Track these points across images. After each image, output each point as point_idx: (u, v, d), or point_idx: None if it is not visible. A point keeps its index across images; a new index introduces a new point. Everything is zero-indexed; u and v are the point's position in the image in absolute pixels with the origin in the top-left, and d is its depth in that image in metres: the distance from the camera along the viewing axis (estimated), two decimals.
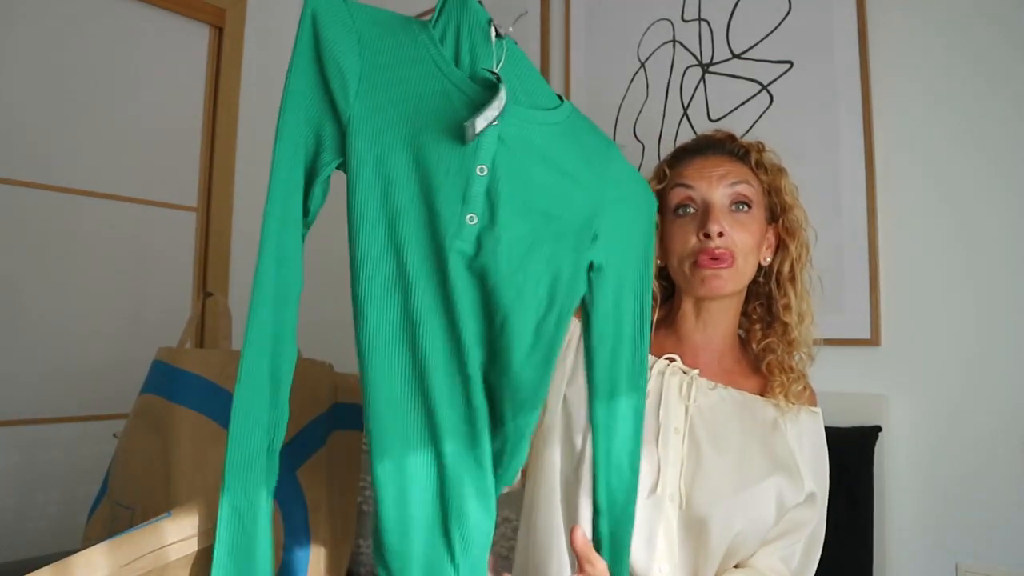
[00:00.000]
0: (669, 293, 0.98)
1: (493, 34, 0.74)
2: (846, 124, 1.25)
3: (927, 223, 1.18)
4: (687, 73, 1.46)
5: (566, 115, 0.80)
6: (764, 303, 0.96)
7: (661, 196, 0.94)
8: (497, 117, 0.69)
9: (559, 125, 0.79)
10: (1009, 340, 1.10)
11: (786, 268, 0.93)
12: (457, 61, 0.73)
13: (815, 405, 0.96)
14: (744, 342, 0.98)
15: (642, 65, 1.53)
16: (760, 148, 0.95)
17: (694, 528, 0.83)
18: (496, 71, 0.72)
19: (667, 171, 0.96)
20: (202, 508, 0.68)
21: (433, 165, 0.70)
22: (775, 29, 1.35)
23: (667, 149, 1.36)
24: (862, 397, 1.19)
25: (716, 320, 0.93)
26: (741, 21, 1.40)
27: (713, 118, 1.40)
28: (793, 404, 0.90)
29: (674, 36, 1.49)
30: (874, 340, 1.20)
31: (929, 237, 1.18)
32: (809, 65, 1.30)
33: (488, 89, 0.71)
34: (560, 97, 0.81)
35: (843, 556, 1.10)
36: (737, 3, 1.40)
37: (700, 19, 1.45)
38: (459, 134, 0.70)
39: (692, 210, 0.90)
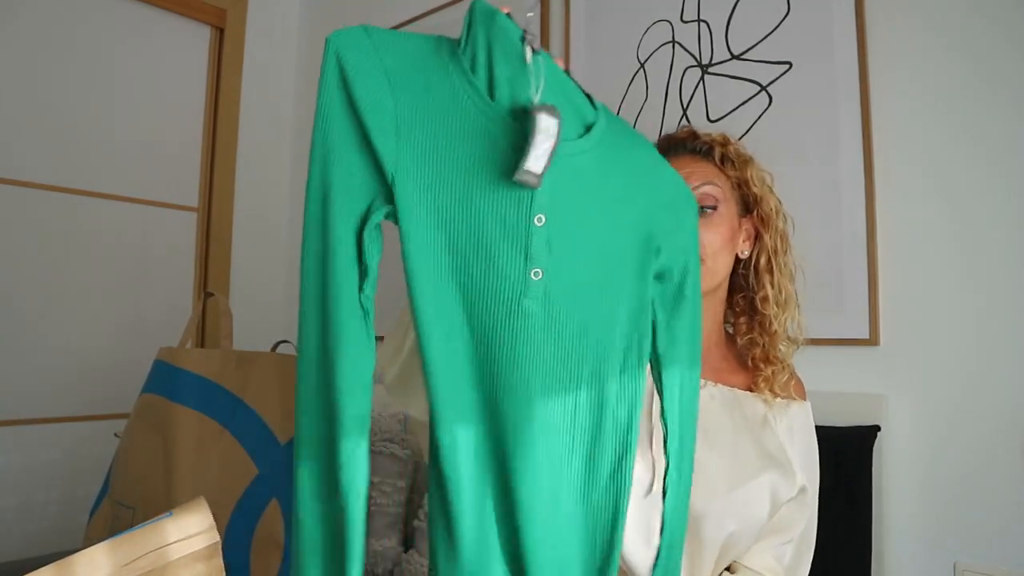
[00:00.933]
0: None
1: (528, 53, 0.66)
2: (845, 124, 1.25)
3: (926, 223, 1.18)
4: (686, 74, 1.46)
5: (604, 127, 0.73)
6: (747, 295, 0.95)
7: None
8: (552, 157, 0.64)
9: (601, 144, 0.72)
10: (1008, 340, 1.10)
11: (763, 260, 0.92)
12: (492, 90, 0.67)
13: (804, 397, 0.96)
14: (731, 337, 0.98)
15: (642, 66, 1.53)
16: (724, 142, 0.94)
17: (689, 527, 0.82)
18: (545, 105, 0.64)
19: None
20: (203, 507, 0.68)
21: (488, 216, 0.65)
22: (774, 30, 1.35)
23: None
24: (861, 397, 1.19)
25: None
26: (740, 22, 1.40)
27: (712, 119, 1.41)
28: (781, 397, 0.90)
29: (673, 37, 1.49)
30: (873, 340, 1.20)
31: (928, 237, 1.18)
32: (808, 66, 1.31)
33: (531, 122, 0.65)
34: (592, 101, 0.74)
35: (842, 555, 1.11)
36: (736, 4, 1.41)
37: (699, 20, 1.46)
38: (508, 179, 0.64)
39: None
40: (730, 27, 1.41)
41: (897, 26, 1.23)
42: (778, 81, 1.34)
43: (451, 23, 1.93)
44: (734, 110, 1.38)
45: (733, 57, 1.40)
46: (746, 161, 0.94)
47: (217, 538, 0.66)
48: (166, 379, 1.24)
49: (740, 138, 1.34)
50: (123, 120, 2.05)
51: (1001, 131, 1.12)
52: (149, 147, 2.09)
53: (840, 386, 1.22)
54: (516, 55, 0.67)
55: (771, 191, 0.94)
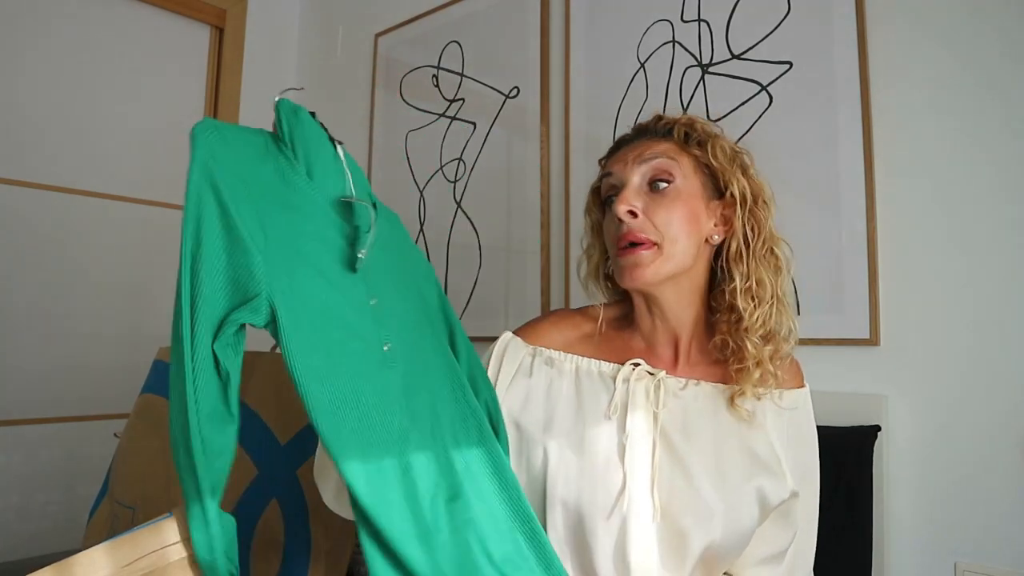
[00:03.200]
0: (626, 291, 0.92)
1: (341, 152, 0.81)
2: (845, 124, 1.25)
3: (926, 223, 1.18)
4: (687, 73, 1.46)
5: (380, 211, 0.85)
6: (723, 289, 0.87)
7: (598, 191, 0.92)
8: (368, 246, 0.76)
9: (384, 226, 0.86)
10: (1008, 340, 1.10)
11: (732, 246, 0.85)
12: (310, 175, 0.78)
13: (800, 384, 0.90)
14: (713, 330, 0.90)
15: (642, 66, 1.53)
16: (688, 122, 0.87)
17: (674, 539, 0.79)
18: (358, 199, 0.79)
19: (601, 165, 0.93)
20: None
21: (341, 302, 0.74)
22: (774, 30, 1.35)
23: None
24: (861, 397, 1.19)
25: (671, 312, 0.87)
26: (740, 22, 1.40)
27: (713, 118, 1.40)
28: (764, 392, 0.84)
29: (674, 36, 1.49)
30: (873, 340, 1.20)
31: (928, 237, 1.18)
32: (808, 65, 1.31)
33: (347, 208, 0.78)
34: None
35: (842, 555, 1.11)
36: (736, 4, 1.40)
37: (700, 20, 1.46)
38: (346, 266, 0.76)
39: (615, 197, 0.85)
40: (730, 27, 1.41)
41: (897, 26, 1.23)
42: (778, 81, 1.34)
43: (451, 23, 1.93)
44: (734, 110, 1.38)
45: (733, 57, 1.40)
46: (712, 136, 0.87)
47: None
48: (166, 379, 1.24)
49: (740, 138, 1.34)
50: (123, 120, 2.05)
51: (1001, 130, 1.12)
52: (149, 147, 2.09)
53: (840, 386, 1.22)
54: (324, 149, 0.79)
55: (743, 171, 0.86)
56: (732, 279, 0.85)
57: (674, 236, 0.82)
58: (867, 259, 1.21)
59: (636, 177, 0.85)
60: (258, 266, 0.66)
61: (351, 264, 0.75)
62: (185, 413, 0.62)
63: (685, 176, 0.85)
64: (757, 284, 0.84)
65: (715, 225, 0.87)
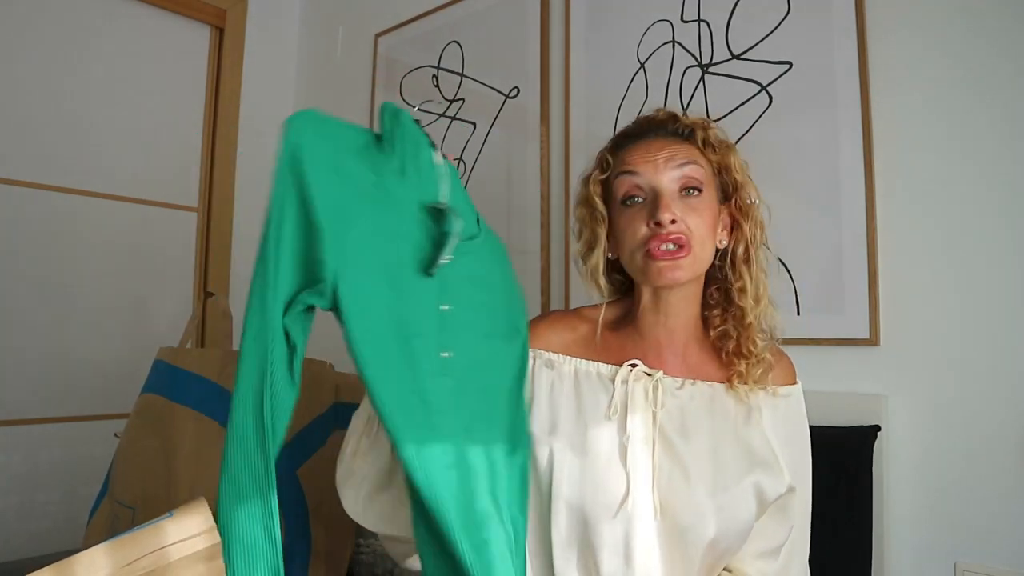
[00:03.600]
0: (626, 287, 0.95)
1: (439, 159, 0.80)
2: (845, 124, 1.25)
3: (926, 223, 1.18)
4: (687, 74, 1.46)
5: (483, 229, 0.87)
6: (721, 287, 0.91)
7: (605, 185, 0.91)
8: (452, 252, 0.76)
9: (484, 242, 0.87)
10: (1008, 340, 1.10)
11: (740, 249, 0.89)
12: (404, 180, 0.78)
13: (793, 380, 0.93)
14: (707, 330, 0.93)
15: (642, 66, 1.53)
16: (706, 126, 0.90)
17: (674, 537, 0.81)
18: (447, 206, 0.78)
19: (610, 159, 0.91)
20: (203, 508, 0.68)
21: (409, 304, 0.76)
22: (774, 30, 1.35)
23: None
24: (861, 397, 1.19)
25: (677, 310, 0.89)
26: (740, 22, 1.40)
27: (713, 119, 1.38)
28: (761, 388, 0.87)
29: (674, 37, 1.49)
30: (873, 340, 1.20)
31: (928, 237, 1.18)
32: (808, 66, 1.31)
33: (439, 218, 0.78)
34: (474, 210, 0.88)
35: (842, 555, 1.11)
36: (736, 4, 1.40)
37: (699, 20, 1.46)
38: (422, 268, 0.77)
39: (640, 199, 0.86)
40: (730, 27, 1.41)
41: (897, 26, 1.23)
42: (778, 81, 1.34)
43: (451, 23, 1.93)
44: (734, 110, 1.38)
45: (733, 57, 1.40)
46: (728, 146, 0.91)
47: (218, 539, 0.66)
48: (166, 379, 1.24)
49: (740, 138, 1.34)
50: (123, 120, 2.05)
51: (1001, 130, 1.12)
52: (149, 147, 2.09)
53: (840, 386, 1.22)
54: (423, 153, 0.79)
55: (750, 180, 0.91)
56: (739, 279, 0.89)
57: (702, 239, 0.85)
58: (867, 259, 1.21)
59: (671, 183, 0.86)
60: (328, 253, 0.70)
61: (429, 266, 0.77)
62: (261, 374, 0.69)
63: (708, 184, 0.88)
64: (762, 287, 0.89)
65: (721, 230, 0.90)
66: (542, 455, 0.84)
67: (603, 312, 0.94)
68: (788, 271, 1.29)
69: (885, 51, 1.23)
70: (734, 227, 0.90)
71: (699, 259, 0.85)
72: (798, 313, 1.28)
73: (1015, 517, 1.07)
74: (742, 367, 0.87)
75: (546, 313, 1.02)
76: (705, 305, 0.92)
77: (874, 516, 1.13)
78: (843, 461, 1.13)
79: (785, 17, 1.34)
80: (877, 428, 1.15)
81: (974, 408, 1.12)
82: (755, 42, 1.37)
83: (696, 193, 0.86)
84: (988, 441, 1.10)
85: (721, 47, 1.42)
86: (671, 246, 0.83)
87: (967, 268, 1.14)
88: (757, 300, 0.88)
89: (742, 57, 1.39)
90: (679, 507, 0.81)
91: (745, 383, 0.87)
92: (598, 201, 0.91)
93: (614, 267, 0.93)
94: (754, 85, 1.36)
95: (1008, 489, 1.08)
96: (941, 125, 1.18)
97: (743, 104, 1.37)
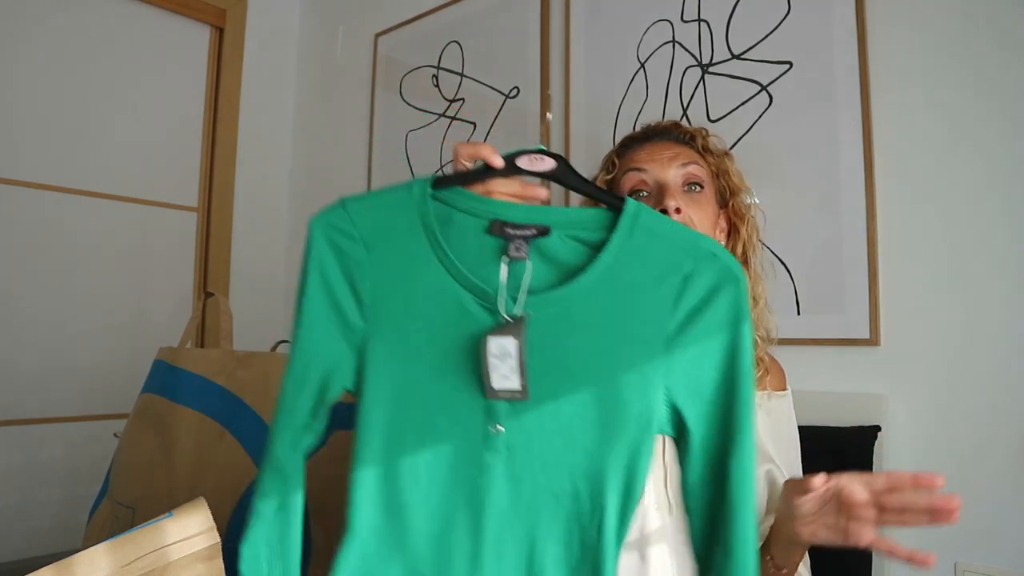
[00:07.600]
0: None
1: (504, 270, 0.65)
2: (845, 124, 1.25)
3: (926, 223, 1.18)
4: (687, 73, 1.46)
5: (619, 244, 0.66)
6: None
7: (611, 186, 0.94)
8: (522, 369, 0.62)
9: (606, 270, 0.66)
10: (1008, 340, 1.10)
11: (738, 252, 0.93)
12: (457, 258, 0.67)
13: (783, 387, 0.95)
14: None
15: (642, 65, 1.53)
16: (704, 134, 0.96)
17: (684, 533, 0.81)
18: (521, 314, 0.63)
19: (616, 160, 0.97)
20: (203, 508, 0.68)
21: (451, 391, 0.66)
22: (774, 30, 1.35)
23: None
24: (861, 397, 1.19)
25: None
26: (740, 22, 1.40)
27: (713, 118, 1.41)
28: (760, 390, 0.89)
29: (674, 36, 1.49)
30: (873, 340, 1.20)
31: (928, 237, 1.18)
32: (808, 65, 1.31)
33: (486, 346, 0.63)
34: (616, 206, 0.67)
35: (842, 555, 1.10)
36: (736, 4, 1.40)
37: (700, 20, 1.46)
38: (476, 348, 0.64)
39: (645, 193, 0.90)
40: (730, 27, 1.41)
41: (897, 26, 1.23)
42: (778, 81, 1.34)
43: (451, 23, 1.93)
44: (734, 110, 1.38)
45: (733, 57, 1.40)
46: (725, 153, 0.96)
47: (217, 539, 0.66)
48: (166, 379, 1.24)
49: (740, 138, 1.35)
50: (123, 120, 2.05)
51: (1001, 130, 1.12)
52: (149, 147, 2.09)
53: (840, 386, 1.22)
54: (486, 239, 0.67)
55: (746, 185, 0.95)
56: None
57: (705, 232, 0.88)
58: (867, 259, 1.21)
59: (676, 179, 0.90)
60: (345, 346, 0.70)
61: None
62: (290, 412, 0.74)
63: (708, 184, 0.92)
64: (757, 287, 0.92)
65: (719, 233, 0.94)
66: None
67: None
68: (788, 271, 1.29)
69: (885, 50, 1.23)
70: (731, 231, 0.95)
71: None
72: (798, 313, 1.28)
73: (1015, 517, 1.07)
74: None
75: None
76: None
77: None
78: (843, 461, 1.12)
79: (785, 17, 1.34)
80: (877, 428, 1.15)
81: (974, 408, 1.12)
82: (755, 42, 1.37)
83: (698, 188, 0.90)
84: (988, 441, 1.10)
85: (721, 47, 1.42)
86: None
87: (967, 268, 1.14)
88: (755, 301, 0.90)
89: (742, 57, 1.39)
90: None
91: None
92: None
93: None
94: (754, 85, 1.36)
95: (1008, 489, 1.08)
96: (941, 125, 1.18)
97: (743, 104, 1.37)
